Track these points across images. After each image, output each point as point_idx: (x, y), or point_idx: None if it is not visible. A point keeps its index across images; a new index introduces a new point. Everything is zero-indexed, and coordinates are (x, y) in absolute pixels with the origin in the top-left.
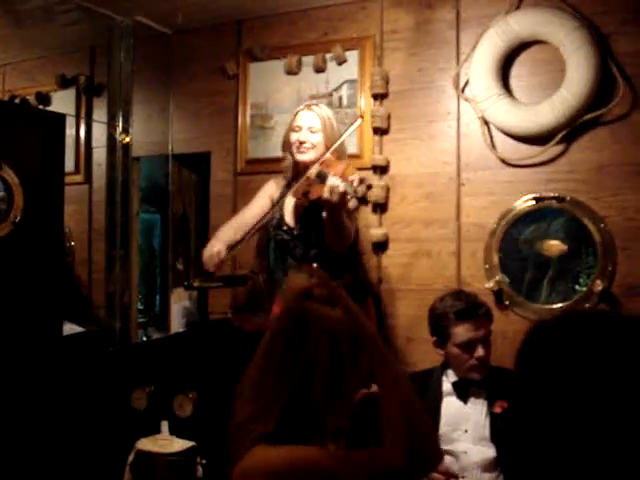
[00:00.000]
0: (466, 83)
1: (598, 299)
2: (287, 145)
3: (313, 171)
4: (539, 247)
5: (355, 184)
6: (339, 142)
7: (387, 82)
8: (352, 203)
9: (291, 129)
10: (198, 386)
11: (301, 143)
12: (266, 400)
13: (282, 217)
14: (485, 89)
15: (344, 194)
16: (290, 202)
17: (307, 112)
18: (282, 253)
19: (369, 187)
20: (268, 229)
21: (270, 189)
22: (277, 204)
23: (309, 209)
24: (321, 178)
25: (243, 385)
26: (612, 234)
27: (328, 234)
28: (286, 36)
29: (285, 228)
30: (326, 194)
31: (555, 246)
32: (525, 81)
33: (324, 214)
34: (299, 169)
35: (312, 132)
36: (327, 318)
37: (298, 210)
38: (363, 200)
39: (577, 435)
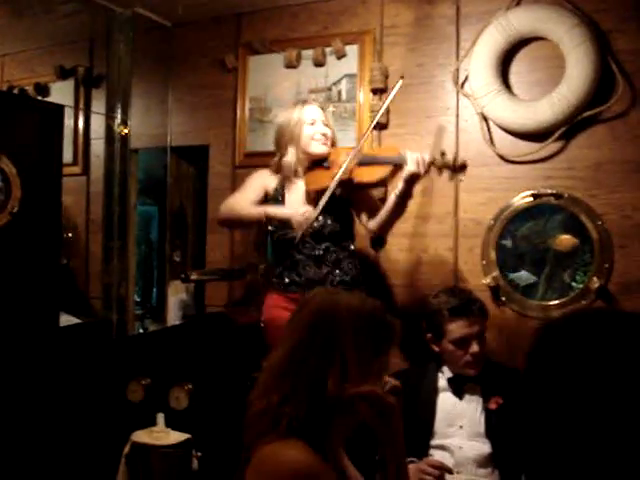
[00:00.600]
0: (465, 79)
1: (595, 296)
2: (292, 140)
3: (348, 158)
4: (551, 242)
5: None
6: (385, 106)
7: (386, 77)
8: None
9: (303, 123)
10: (194, 379)
11: (323, 135)
12: (296, 384)
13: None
14: (484, 85)
15: (431, 163)
16: (296, 198)
17: (314, 107)
18: (287, 249)
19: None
20: (270, 226)
21: (263, 180)
22: (275, 199)
23: (331, 203)
24: (371, 161)
25: (267, 373)
26: (609, 231)
27: (394, 216)
28: (286, 29)
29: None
30: (414, 167)
31: (567, 240)
32: (524, 77)
33: (398, 193)
34: (307, 163)
35: (325, 125)
36: (352, 307)
37: (310, 203)
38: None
39: (586, 433)
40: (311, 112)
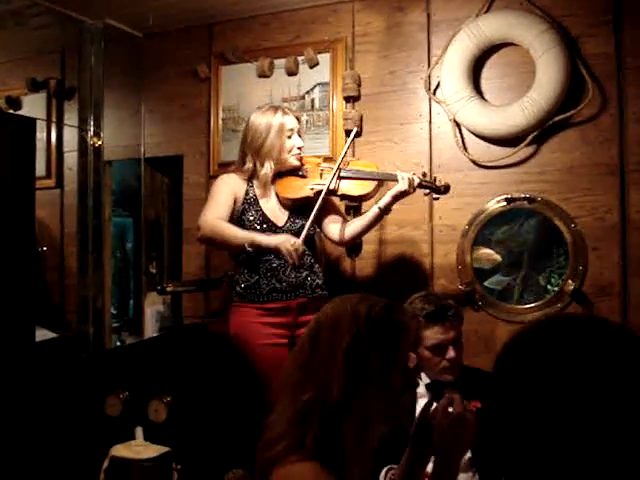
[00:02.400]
0: (437, 85)
1: (570, 299)
2: (271, 151)
3: (333, 172)
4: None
5: (421, 176)
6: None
7: (359, 85)
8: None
9: (278, 134)
10: (173, 391)
11: (300, 148)
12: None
13: (265, 217)
14: (456, 91)
15: (420, 184)
16: (272, 205)
17: (290, 117)
18: (264, 254)
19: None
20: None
21: (232, 187)
22: (249, 205)
23: (300, 206)
24: (352, 176)
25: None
26: (583, 234)
27: (369, 228)
28: (258, 39)
29: (273, 228)
30: (406, 187)
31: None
32: (496, 83)
33: (381, 207)
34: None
35: (300, 136)
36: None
37: (286, 206)
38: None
39: (554, 437)
40: (290, 123)
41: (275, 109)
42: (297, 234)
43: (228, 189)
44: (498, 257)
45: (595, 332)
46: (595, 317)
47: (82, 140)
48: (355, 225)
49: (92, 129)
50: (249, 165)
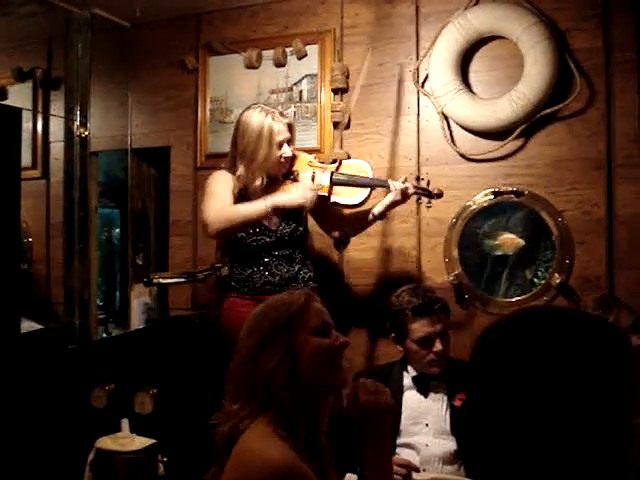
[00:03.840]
0: (426, 78)
1: (556, 292)
2: (266, 163)
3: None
4: (492, 243)
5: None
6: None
7: (347, 77)
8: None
9: (269, 142)
10: (159, 383)
11: (286, 159)
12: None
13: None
14: (444, 84)
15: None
16: None
17: (282, 126)
18: (257, 253)
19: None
20: (239, 235)
21: (228, 182)
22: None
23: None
24: (345, 182)
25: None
26: (569, 228)
27: (357, 231)
28: (246, 30)
29: (266, 231)
30: (399, 197)
31: (511, 240)
32: (484, 76)
33: (375, 214)
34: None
35: (289, 144)
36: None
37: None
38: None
39: (529, 426)
40: (280, 133)
41: (266, 114)
42: (290, 236)
43: (225, 185)
44: (521, 241)
45: (568, 324)
46: (570, 309)
47: (68, 130)
48: (351, 227)
49: (78, 119)
50: (241, 173)
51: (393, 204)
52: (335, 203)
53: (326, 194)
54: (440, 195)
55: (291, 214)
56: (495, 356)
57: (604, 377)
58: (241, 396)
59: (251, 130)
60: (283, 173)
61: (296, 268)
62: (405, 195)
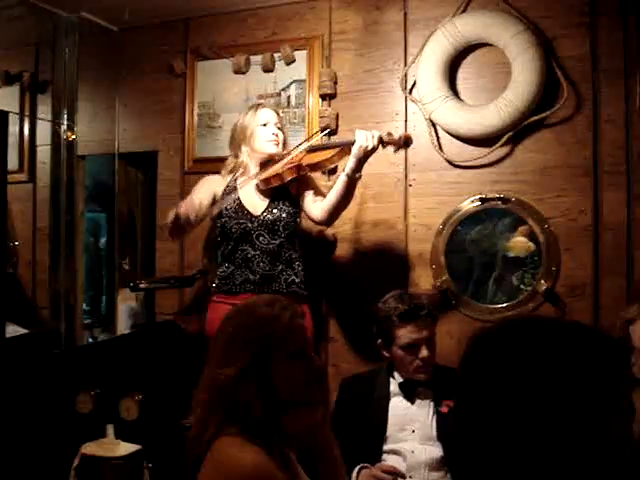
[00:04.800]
0: (414, 84)
1: (542, 298)
2: (245, 140)
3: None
4: (505, 244)
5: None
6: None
7: (335, 82)
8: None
9: (256, 124)
10: (144, 389)
11: (275, 135)
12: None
13: (241, 205)
14: (432, 91)
15: (380, 138)
16: (248, 192)
17: (268, 109)
18: (240, 244)
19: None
20: (221, 220)
21: (212, 185)
22: (228, 195)
23: (277, 194)
24: (320, 147)
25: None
26: (556, 235)
27: (341, 200)
28: (234, 35)
29: (248, 216)
30: (363, 141)
31: (523, 243)
32: (471, 83)
33: (348, 171)
34: (260, 163)
35: (279, 128)
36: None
37: (264, 194)
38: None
39: (517, 434)
40: (264, 114)
41: (252, 106)
42: (274, 223)
43: (207, 186)
44: (532, 245)
45: (558, 333)
46: (560, 319)
47: (55, 134)
48: (329, 198)
49: (66, 123)
50: (230, 159)
51: (362, 152)
52: (308, 165)
53: (297, 162)
54: (408, 139)
55: (278, 201)
56: (484, 364)
57: (593, 387)
58: (212, 405)
59: (241, 120)
60: (274, 153)
61: (279, 267)
62: (367, 138)
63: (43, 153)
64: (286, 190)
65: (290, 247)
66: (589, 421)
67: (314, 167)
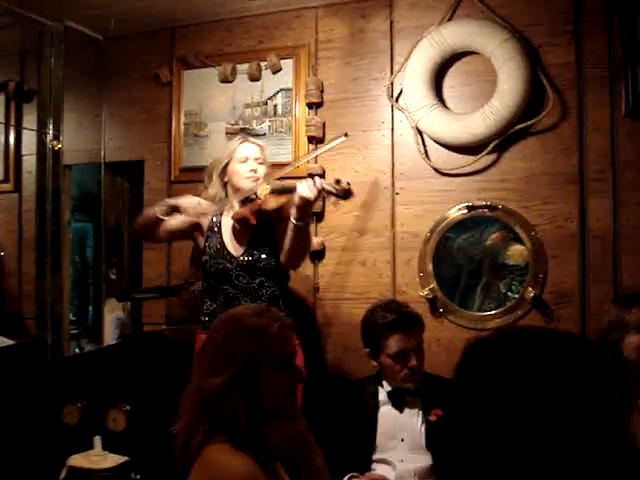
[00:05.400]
0: (400, 93)
1: (530, 306)
2: (222, 174)
3: (263, 187)
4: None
5: (332, 183)
6: (319, 152)
7: (322, 91)
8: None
9: (235, 160)
10: (132, 400)
11: (252, 171)
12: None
13: (223, 246)
14: (418, 99)
15: (321, 190)
16: (228, 231)
17: (251, 145)
18: (221, 283)
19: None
20: (204, 257)
21: (198, 202)
22: (211, 231)
23: (257, 235)
24: (281, 190)
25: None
26: (543, 242)
27: (295, 245)
28: (220, 43)
29: (228, 257)
30: (303, 192)
31: (520, 251)
32: (457, 91)
33: (293, 219)
34: (239, 199)
35: (259, 163)
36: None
37: (243, 236)
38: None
39: (510, 444)
40: (245, 149)
41: (239, 138)
42: (254, 264)
43: (192, 200)
44: (526, 250)
45: (554, 344)
46: (554, 330)
47: (41, 143)
48: (285, 244)
49: (51, 132)
50: (209, 192)
51: (301, 201)
52: (264, 211)
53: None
54: (347, 192)
55: (258, 242)
56: (479, 374)
57: (588, 399)
58: (198, 413)
59: (225, 151)
60: (252, 190)
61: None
62: (309, 189)
63: (29, 162)
64: (269, 228)
65: (272, 284)
66: (583, 433)
67: (269, 213)
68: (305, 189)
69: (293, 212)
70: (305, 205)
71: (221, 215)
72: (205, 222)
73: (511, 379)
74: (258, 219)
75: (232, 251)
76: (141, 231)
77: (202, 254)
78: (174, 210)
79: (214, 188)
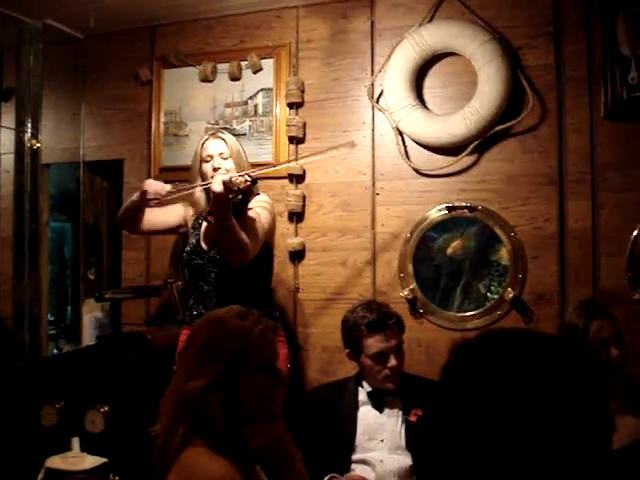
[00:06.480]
0: (381, 93)
1: (510, 306)
2: (197, 174)
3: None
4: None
5: (240, 178)
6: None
7: (302, 91)
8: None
9: (202, 160)
10: (110, 400)
11: (215, 170)
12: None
13: (198, 242)
14: (399, 100)
15: (227, 183)
16: (204, 227)
17: (214, 140)
18: (197, 279)
19: (253, 182)
20: (182, 254)
21: (185, 211)
22: (193, 230)
23: None
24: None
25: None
26: (522, 243)
27: (222, 239)
28: (201, 43)
29: (201, 253)
30: (215, 186)
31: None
32: (438, 92)
33: (208, 216)
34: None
35: (224, 158)
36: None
37: (213, 231)
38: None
39: (495, 445)
40: (209, 147)
41: (203, 136)
42: (219, 262)
43: (182, 208)
44: (472, 243)
45: (539, 347)
46: (540, 332)
47: (19, 142)
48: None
49: (30, 131)
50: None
51: (214, 197)
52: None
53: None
54: (247, 190)
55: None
56: (465, 376)
57: (575, 403)
58: (178, 416)
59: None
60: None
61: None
62: (217, 184)
63: (7, 161)
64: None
65: (244, 280)
66: (568, 437)
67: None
68: (216, 185)
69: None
70: (216, 200)
71: (201, 212)
72: (189, 221)
73: (498, 381)
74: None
75: (204, 247)
76: (123, 219)
77: (183, 252)
78: (159, 199)
79: (197, 191)
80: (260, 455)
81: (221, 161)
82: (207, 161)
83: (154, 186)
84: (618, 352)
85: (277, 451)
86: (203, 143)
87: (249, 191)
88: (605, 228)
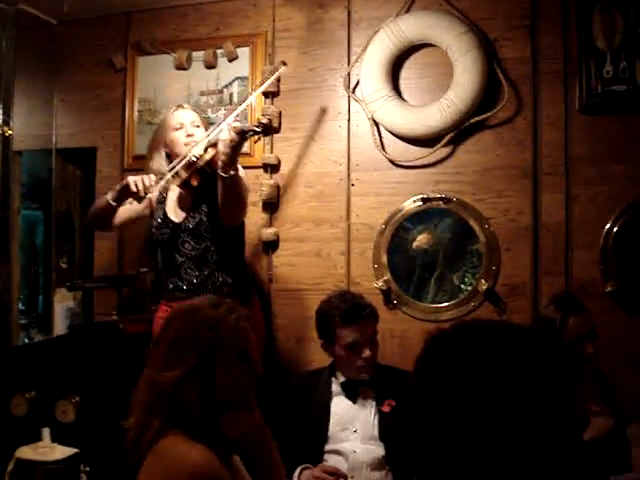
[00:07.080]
0: (357, 84)
1: (483, 298)
2: (161, 145)
3: (197, 147)
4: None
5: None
6: (259, 91)
7: (278, 80)
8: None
9: (171, 128)
10: (81, 391)
11: (189, 136)
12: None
13: (165, 215)
14: (375, 90)
15: (242, 130)
16: (172, 198)
17: (184, 110)
18: (169, 252)
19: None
20: (152, 231)
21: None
22: (159, 204)
23: (200, 198)
24: (214, 143)
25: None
26: (496, 235)
27: (224, 200)
28: (176, 30)
29: (171, 225)
30: (225, 134)
31: (427, 237)
32: (414, 83)
33: (220, 171)
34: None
35: (196, 126)
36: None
37: (185, 201)
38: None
39: (468, 435)
40: (179, 116)
41: (172, 107)
42: (197, 228)
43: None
44: (442, 236)
45: (513, 338)
46: (514, 324)
47: None
48: (219, 200)
49: (1, 117)
50: (152, 164)
51: (223, 144)
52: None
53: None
54: (267, 128)
55: (200, 205)
56: (439, 367)
57: (545, 392)
58: (152, 407)
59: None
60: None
61: (206, 272)
62: (229, 130)
63: None
64: (212, 192)
65: (219, 249)
66: (540, 427)
67: (209, 166)
68: (227, 132)
69: (219, 164)
70: (229, 150)
71: (168, 189)
72: (153, 197)
73: (472, 372)
74: (201, 181)
75: (174, 219)
76: (95, 221)
77: (151, 228)
78: (125, 194)
79: (156, 161)
80: (238, 445)
81: (194, 129)
82: (178, 129)
83: (140, 182)
84: (592, 348)
85: (255, 441)
86: (172, 113)
87: (270, 128)
88: (578, 221)
